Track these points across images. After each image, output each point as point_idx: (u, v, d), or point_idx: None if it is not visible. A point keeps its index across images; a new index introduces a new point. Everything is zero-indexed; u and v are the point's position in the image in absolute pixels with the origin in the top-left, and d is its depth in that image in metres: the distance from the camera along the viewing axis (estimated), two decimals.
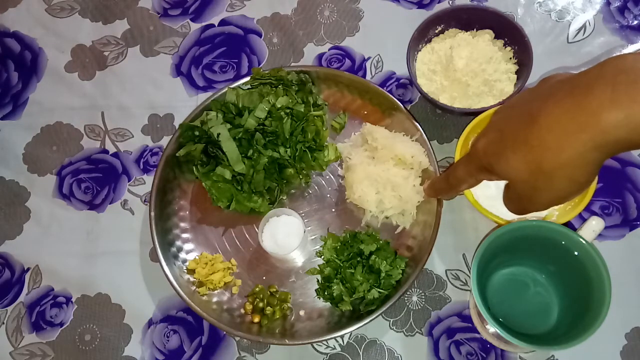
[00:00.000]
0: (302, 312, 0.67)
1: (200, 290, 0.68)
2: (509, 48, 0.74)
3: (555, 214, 0.65)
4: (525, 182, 0.43)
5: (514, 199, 0.47)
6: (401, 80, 0.79)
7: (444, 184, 0.58)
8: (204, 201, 0.73)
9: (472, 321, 0.66)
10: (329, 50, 0.83)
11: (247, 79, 0.76)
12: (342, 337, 0.67)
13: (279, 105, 0.69)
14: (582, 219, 0.67)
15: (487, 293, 0.61)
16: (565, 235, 0.57)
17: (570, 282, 0.59)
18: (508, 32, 0.73)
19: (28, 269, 0.74)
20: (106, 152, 0.80)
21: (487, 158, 0.45)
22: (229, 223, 0.73)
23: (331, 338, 0.64)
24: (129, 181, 0.78)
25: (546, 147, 0.40)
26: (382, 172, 0.68)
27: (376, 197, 0.68)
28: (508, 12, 0.81)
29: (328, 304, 0.66)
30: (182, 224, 0.73)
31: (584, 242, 0.56)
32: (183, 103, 0.81)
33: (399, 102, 0.73)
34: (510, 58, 0.73)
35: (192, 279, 0.69)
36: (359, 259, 0.65)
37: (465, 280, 0.68)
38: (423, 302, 0.67)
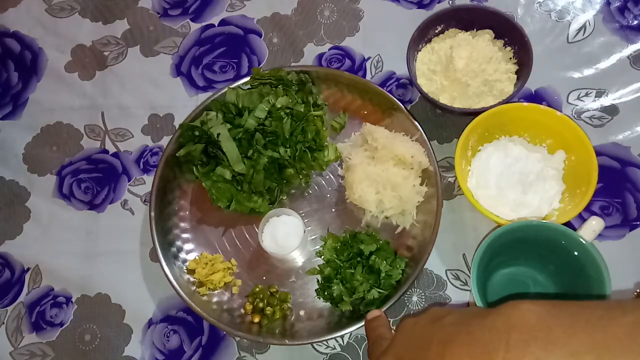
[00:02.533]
0: (302, 312, 0.67)
1: (200, 290, 0.68)
2: (509, 48, 0.74)
3: (555, 214, 0.65)
4: None
5: None
6: (401, 80, 0.79)
7: None
8: (204, 201, 0.73)
9: None
10: (329, 50, 0.83)
11: (247, 79, 0.76)
12: (342, 337, 0.67)
13: (279, 105, 0.69)
14: (582, 219, 0.67)
15: (487, 293, 0.61)
16: (565, 235, 0.57)
17: (570, 282, 0.59)
18: (508, 32, 0.73)
19: (28, 269, 0.74)
20: (106, 152, 0.80)
21: None
22: (229, 223, 0.73)
23: (331, 338, 0.64)
24: (129, 181, 0.78)
25: None
26: (382, 172, 0.68)
27: (376, 197, 0.68)
28: (508, 12, 0.81)
29: (328, 304, 0.66)
30: (182, 224, 0.73)
31: (584, 242, 0.56)
32: (183, 103, 0.81)
33: (399, 102, 0.73)
34: (510, 58, 0.73)
35: (192, 279, 0.69)
36: (359, 259, 0.65)
37: (465, 280, 0.68)
38: (423, 302, 0.67)
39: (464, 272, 0.68)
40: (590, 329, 0.36)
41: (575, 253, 0.56)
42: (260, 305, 0.67)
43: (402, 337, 0.46)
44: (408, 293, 0.68)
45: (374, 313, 0.56)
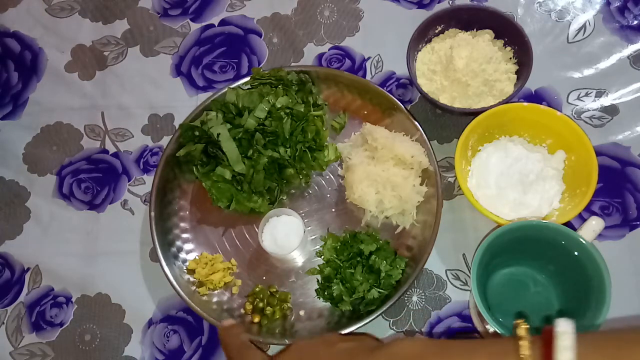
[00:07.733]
0: (302, 312, 0.67)
1: (200, 290, 0.68)
2: (509, 48, 0.74)
3: (555, 214, 0.65)
4: None
5: None
6: (401, 80, 0.79)
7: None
8: (204, 201, 0.73)
9: (472, 321, 0.66)
10: (329, 50, 0.83)
11: (247, 79, 0.76)
12: None
13: (279, 105, 0.69)
14: (582, 219, 0.67)
15: (487, 293, 0.61)
16: (565, 235, 0.57)
17: (570, 282, 0.59)
18: (508, 32, 0.73)
19: (28, 269, 0.74)
20: (106, 152, 0.80)
21: None
22: (229, 223, 0.73)
23: None
24: (129, 181, 0.78)
25: None
26: (382, 172, 0.68)
27: (376, 197, 0.68)
28: (508, 12, 0.81)
29: (328, 304, 0.66)
30: (182, 224, 0.73)
31: (584, 242, 0.56)
32: (183, 103, 0.81)
33: (399, 102, 0.73)
34: (510, 58, 0.73)
35: (192, 279, 0.69)
36: (359, 259, 0.65)
37: (465, 280, 0.68)
38: (423, 302, 0.67)
39: (464, 272, 0.68)
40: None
41: (575, 253, 0.56)
42: (260, 305, 0.67)
43: (293, 350, 0.52)
44: (408, 293, 0.68)
45: (229, 321, 0.61)
